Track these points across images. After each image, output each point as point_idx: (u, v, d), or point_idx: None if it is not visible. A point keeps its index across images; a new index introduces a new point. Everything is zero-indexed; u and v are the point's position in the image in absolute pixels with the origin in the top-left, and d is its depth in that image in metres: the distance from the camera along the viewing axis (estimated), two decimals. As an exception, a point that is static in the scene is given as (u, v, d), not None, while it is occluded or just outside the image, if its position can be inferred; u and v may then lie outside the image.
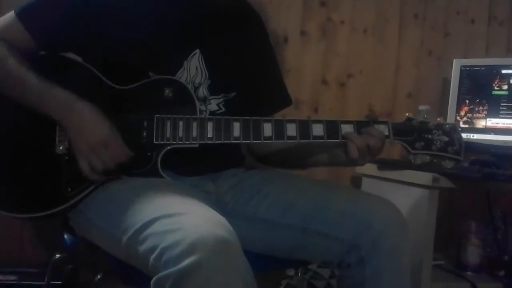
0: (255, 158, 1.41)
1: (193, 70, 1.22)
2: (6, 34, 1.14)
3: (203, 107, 1.23)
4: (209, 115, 1.23)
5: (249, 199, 1.22)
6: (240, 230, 0.92)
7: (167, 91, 1.15)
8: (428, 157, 1.15)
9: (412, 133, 1.16)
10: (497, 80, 1.90)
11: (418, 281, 1.59)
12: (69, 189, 1.11)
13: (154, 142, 1.11)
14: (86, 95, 1.11)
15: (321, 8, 2.00)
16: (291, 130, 1.13)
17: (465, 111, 1.95)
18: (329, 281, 1.77)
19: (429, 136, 1.16)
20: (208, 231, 0.84)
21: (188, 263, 0.80)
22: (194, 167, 1.21)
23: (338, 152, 1.17)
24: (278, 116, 1.39)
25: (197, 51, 1.22)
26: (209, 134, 1.11)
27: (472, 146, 1.74)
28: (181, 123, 1.12)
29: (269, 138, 1.12)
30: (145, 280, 0.89)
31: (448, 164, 1.14)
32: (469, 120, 1.94)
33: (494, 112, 1.90)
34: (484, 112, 1.92)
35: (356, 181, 2.00)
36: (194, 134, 1.11)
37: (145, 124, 1.12)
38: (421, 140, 1.15)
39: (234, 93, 1.28)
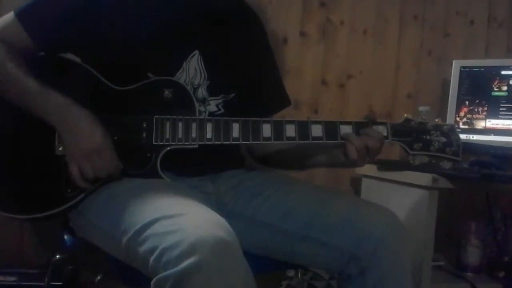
0: (254, 158, 1.41)
1: (192, 71, 1.22)
2: (5, 35, 1.14)
3: (202, 108, 1.23)
4: (208, 116, 1.23)
5: (249, 200, 1.22)
6: (240, 231, 0.92)
7: (166, 92, 1.15)
8: (426, 158, 1.15)
9: (410, 134, 1.16)
10: (497, 81, 1.91)
11: (418, 282, 1.58)
12: (69, 190, 1.11)
13: (154, 143, 1.12)
14: (85, 96, 1.11)
15: (321, 9, 2.00)
16: (290, 131, 1.13)
17: (465, 112, 1.95)
18: (329, 282, 1.77)
19: (428, 137, 1.16)
20: (207, 232, 0.84)
21: (188, 264, 0.81)
22: (194, 168, 1.21)
23: (337, 153, 1.17)
24: (277, 117, 1.39)
25: (196, 52, 1.22)
26: (209, 135, 1.11)
27: (471, 147, 1.74)
28: (180, 124, 1.12)
29: (268, 139, 1.13)
30: (145, 281, 0.89)
31: (447, 165, 1.15)
32: (468, 121, 1.94)
33: (493, 113, 1.90)
34: (483, 113, 1.92)
35: (355, 182, 2.00)
36: (194, 135, 1.11)
37: (145, 125, 1.12)
38: (419, 141, 1.16)
39: (233, 94, 1.28)
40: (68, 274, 1.64)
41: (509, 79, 1.89)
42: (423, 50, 2.15)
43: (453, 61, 2.00)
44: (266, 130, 1.12)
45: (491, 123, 1.90)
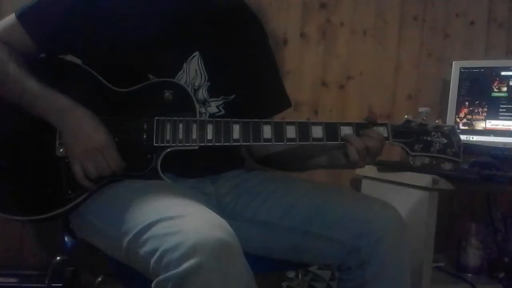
0: (255, 160, 1.41)
1: (193, 72, 1.22)
2: (6, 36, 1.14)
3: (202, 109, 1.23)
4: (209, 117, 1.23)
5: (249, 201, 1.22)
6: (240, 232, 0.92)
7: (167, 93, 1.15)
8: (427, 159, 1.15)
9: (411, 135, 1.16)
10: (497, 82, 1.91)
11: (418, 283, 1.58)
12: (70, 192, 1.11)
13: (154, 145, 1.12)
14: (86, 97, 1.11)
15: (321, 10, 2.00)
16: (291, 132, 1.13)
17: (465, 113, 1.95)
18: (329, 283, 1.77)
19: (428, 138, 1.16)
20: (208, 233, 0.84)
21: (188, 266, 0.80)
22: (194, 169, 1.21)
23: (338, 154, 1.18)
24: (277, 118, 1.39)
25: (197, 53, 1.22)
26: (209, 136, 1.11)
27: (471, 148, 1.73)
28: (181, 126, 1.12)
29: (269, 140, 1.13)
30: (145, 283, 0.89)
31: (447, 166, 1.15)
32: (468, 121, 1.94)
33: (493, 114, 1.90)
34: (483, 114, 1.92)
35: (356, 183, 2.00)
36: (194, 136, 1.11)
37: (145, 126, 1.13)
38: (420, 142, 1.16)
39: (233, 95, 1.28)
40: (68, 276, 1.64)
41: (509, 80, 1.89)
42: (423, 51, 2.15)
43: (453, 62, 1.99)
44: (267, 131, 1.13)
45: (491, 124, 1.90)
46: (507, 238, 1.95)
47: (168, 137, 1.12)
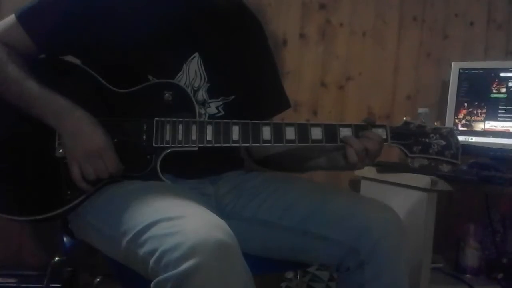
0: (254, 161, 1.41)
1: (192, 73, 1.22)
2: (6, 37, 1.14)
3: (202, 110, 1.24)
4: (208, 118, 1.23)
5: (248, 201, 1.22)
6: (239, 232, 0.92)
7: (166, 94, 1.15)
8: (425, 161, 1.16)
9: (409, 137, 1.17)
10: (496, 83, 1.91)
11: (417, 284, 1.59)
12: (69, 192, 1.12)
13: (154, 145, 1.12)
14: (85, 98, 1.11)
15: (320, 11, 2.01)
16: (290, 133, 1.13)
17: (464, 114, 1.95)
18: (328, 283, 1.77)
19: (427, 140, 1.16)
20: (207, 234, 0.84)
21: (187, 267, 0.81)
22: (194, 170, 1.21)
23: (337, 156, 1.18)
24: (277, 119, 1.39)
25: (196, 54, 1.23)
26: (209, 137, 1.12)
27: (470, 149, 1.74)
28: (180, 127, 1.12)
29: (268, 141, 1.13)
30: (144, 283, 0.89)
31: (446, 168, 1.15)
32: (467, 122, 1.94)
33: (492, 115, 1.90)
34: (482, 115, 1.92)
35: (354, 184, 2.00)
36: (194, 137, 1.12)
37: (145, 127, 1.13)
38: (418, 144, 1.16)
39: (233, 96, 1.28)
40: (67, 276, 1.64)
41: (508, 81, 1.89)
42: (422, 51, 2.15)
43: (452, 63, 2.00)
44: (266, 132, 1.13)
45: (490, 125, 1.91)
46: (506, 239, 1.95)
47: (167, 138, 1.12)
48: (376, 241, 1.08)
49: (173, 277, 0.81)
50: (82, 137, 1.07)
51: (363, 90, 2.06)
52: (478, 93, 1.93)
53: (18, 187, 1.14)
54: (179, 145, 1.12)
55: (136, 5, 1.20)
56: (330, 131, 1.15)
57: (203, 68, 1.23)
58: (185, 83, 1.21)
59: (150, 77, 1.18)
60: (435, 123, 1.18)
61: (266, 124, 1.14)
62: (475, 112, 1.93)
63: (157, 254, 0.85)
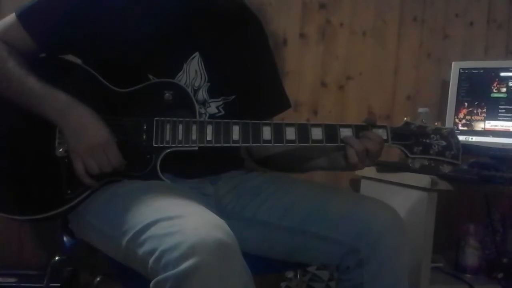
0: (254, 161, 1.41)
1: (193, 73, 1.22)
2: (7, 36, 1.14)
3: (202, 110, 1.23)
4: (209, 118, 1.23)
5: (248, 201, 1.22)
6: (239, 232, 0.92)
7: (166, 94, 1.15)
8: (426, 161, 1.16)
9: (410, 137, 1.17)
10: (496, 83, 1.91)
11: (417, 283, 1.59)
12: (69, 192, 1.12)
13: (154, 145, 1.12)
14: (86, 97, 1.11)
15: (321, 11, 2.01)
16: (290, 133, 1.13)
17: (464, 114, 1.95)
18: (328, 283, 1.77)
19: (427, 141, 1.16)
20: (207, 234, 0.84)
21: (187, 266, 0.81)
22: (194, 170, 1.21)
23: (337, 156, 1.18)
24: (277, 119, 1.39)
25: (197, 54, 1.23)
26: (209, 137, 1.12)
27: (470, 149, 1.74)
28: (180, 126, 1.12)
29: (268, 141, 1.13)
30: (144, 283, 0.89)
31: (446, 168, 1.15)
32: (468, 122, 1.94)
33: (492, 115, 1.90)
34: (483, 115, 1.92)
35: (355, 184, 2.01)
36: (194, 137, 1.12)
37: (145, 127, 1.13)
38: (419, 145, 1.16)
39: (233, 96, 1.28)
40: (67, 276, 1.64)
41: (508, 81, 1.89)
42: (422, 51, 2.15)
43: (452, 63, 2.00)
44: (266, 132, 1.13)
45: (490, 124, 1.91)
46: (506, 239, 1.95)
47: (167, 138, 1.12)
48: (376, 240, 1.09)
49: (172, 277, 0.81)
50: (84, 132, 1.08)
51: (363, 90, 2.07)
52: (478, 93, 1.93)
53: (19, 187, 1.14)
54: (179, 145, 1.12)
55: (137, 5, 1.19)
56: (331, 132, 1.15)
57: (203, 68, 1.23)
58: (185, 83, 1.21)
59: (150, 76, 1.18)
60: (436, 124, 1.18)
61: (266, 124, 1.13)
62: (475, 111, 1.93)
63: (156, 253, 0.85)
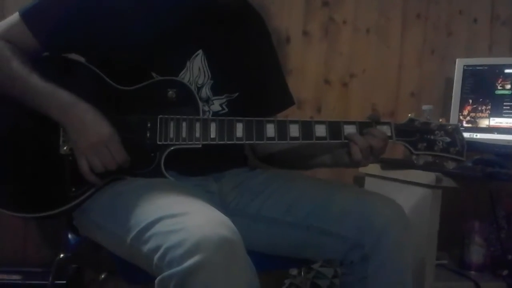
0: (258, 158, 1.41)
1: (196, 70, 1.22)
2: (10, 35, 1.14)
3: (206, 108, 1.24)
4: (212, 115, 1.23)
5: (252, 198, 1.22)
6: (243, 229, 0.92)
7: (170, 92, 1.15)
8: (430, 158, 1.15)
9: (414, 134, 1.16)
10: (500, 80, 1.90)
11: (421, 280, 1.59)
12: (73, 189, 1.12)
13: (158, 143, 1.12)
14: (90, 96, 1.11)
15: (323, 8, 2.00)
16: (294, 130, 1.13)
17: (468, 111, 1.95)
18: (332, 280, 1.77)
19: (432, 137, 1.16)
20: (211, 231, 0.84)
21: (191, 263, 0.81)
22: (197, 167, 1.21)
23: (341, 153, 1.18)
24: (280, 116, 1.39)
25: (200, 51, 1.23)
26: (212, 135, 1.12)
27: (475, 146, 1.73)
28: (184, 124, 1.12)
29: (272, 138, 1.13)
30: (149, 280, 0.89)
31: (451, 165, 1.15)
32: (472, 119, 1.94)
33: (497, 112, 1.90)
34: (487, 112, 1.91)
35: (359, 181, 2.00)
36: (197, 134, 1.12)
37: (149, 124, 1.13)
38: (423, 141, 1.16)
39: (237, 94, 1.28)
40: (72, 273, 1.65)
41: (513, 78, 1.89)
42: (426, 48, 2.14)
43: (456, 60, 1.99)
44: (270, 130, 1.13)
45: (495, 121, 1.90)
46: (511, 236, 1.95)
47: (171, 136, 1.12)
48: (380, 234, 1.08)
49: (177, 274, 0.82)
50: (88, 129, 1.08)
51: (367, 87, 2.06)
52: (482, 90, 1.93)
53: (23, 185, 1.14)
54: (183, 143, 1.12)
55: (139, 3, 1.19)
56: (334, 128, 1.15)
57: (206, 65, 1.23)
58: (188, 80, 1.21)
59: (153, 74, 1.18)
60: (440, 120, 1.18)
61: (270, 122, 1.13)
62: (479, 108, 1.92)
63: (161, 250, 0.86)
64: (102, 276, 1.60)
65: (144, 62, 1.18)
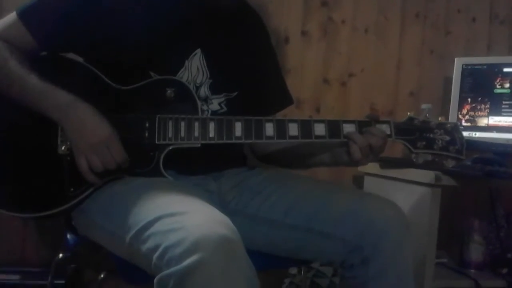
0: (257, 157, 1.41)
1: (195, 69, 1.22)
2: (7, 34, 1.14)
3: (204, 107, 1.23)
4: (211, 114, 1.23)
5: (252, 198, 1.22)
6: (243, 228, 0.92)
7: (168, 91, 1.15)
8: (430, 156, 1.15)
9: (413, 132, 1.16)
10: (499, 79, 1.90)
11: (421, 279, 1.58)
12: (72, 189, 1.12)
13: (156, 142, 1.12)
14: (88, 95, 1.11)
15: (322, 8, 2.00)
16: (293, 129, 1.13)
17: (467, 110, 1.95)
18: (332, 279, 1.77)
19: (431, 136, 1.16)
20: (210, 230, 0.84)
21: (190, 262, 0.81)
22: (196, 167, 1.21)
23: (340, 152, 1.17)
24: (279, 115, 1.39)
25: (198, 50, 1.23)
26: (211, 134, 1.11)
27: (474, 144, 1.73)
28: (183, 123, 1.12)
29: (271, 137, 1.13)
30: (148, 279, 0.89)
31: (450, 163, 1.15)
32: (471, 118, 1.94)
33: (496, 110, 1.90)
34: (486, 111, 1.92)
35: (358, 180, 2.00)
36: (196, 134, 1.11)
37: (147, 124, 1.13)
38: (422, 140, 1.16)
39: (235, 93, 1.28)
40: (71, 273, 1.65)
41: (511, 77, 1.88)
42: (425, 48, 2.14)
43: (455, 59, 1.99)
44: (269, 129, 1.13)
45: (494, 120, 1.90)
46: (510, 234, 1.95)
47: (170, 135, 1.12)
48: (380, 237, 1.08)
49: (176, 273, 0.81)
50: (87, 129, 1.08)
51: (366, 87, 2.06)
52: (481, 89, 1.93)
53: (22, 185, 1.14)
54: (182, 142, 1.12)
55: (137, 2, 1.19)
56: (334, 127, 1.14)
57: (205, 64, 1.23)
58: (187, 80, 1.21)
59: (152, 73, 1.18)
60: (439, 119, 1.18)
61: (269, 121, 1.13)
62: (478, 107, 1.93)
63: (160, 250, 0.86)
64: (101, 276, 1.59)
65: (142, 62, 1.17)
